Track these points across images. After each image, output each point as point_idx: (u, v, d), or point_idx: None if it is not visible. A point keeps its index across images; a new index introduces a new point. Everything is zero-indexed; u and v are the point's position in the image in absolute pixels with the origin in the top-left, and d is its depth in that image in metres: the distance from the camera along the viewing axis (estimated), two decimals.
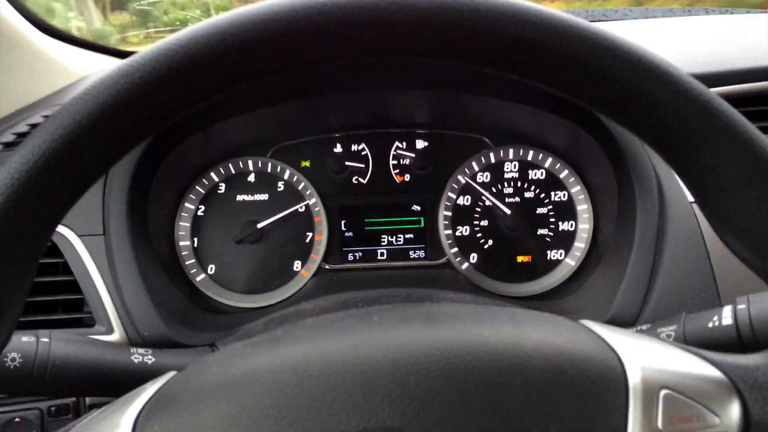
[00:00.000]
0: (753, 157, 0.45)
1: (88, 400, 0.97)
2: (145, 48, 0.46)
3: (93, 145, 0.45)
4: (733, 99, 1.06)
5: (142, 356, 0.80)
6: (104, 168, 0.48)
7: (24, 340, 0.71)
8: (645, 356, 0.47)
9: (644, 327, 0.84)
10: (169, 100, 0.46)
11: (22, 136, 1.17)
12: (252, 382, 0.46)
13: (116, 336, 0.96)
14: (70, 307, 0.99)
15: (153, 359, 0.80)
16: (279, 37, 0.45)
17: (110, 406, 0.52)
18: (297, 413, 0.42)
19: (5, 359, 0.69)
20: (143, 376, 0.76)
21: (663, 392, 0.44)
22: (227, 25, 0.45)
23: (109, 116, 0.44)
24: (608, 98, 0.48)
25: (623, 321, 0.97)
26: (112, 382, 0.76)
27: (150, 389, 0.52)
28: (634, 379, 0.45)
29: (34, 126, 1.19)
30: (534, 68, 0.47)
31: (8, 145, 1.14)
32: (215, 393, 0.46)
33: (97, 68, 1.57)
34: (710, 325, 0.74)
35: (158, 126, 0.48)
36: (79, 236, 1.00)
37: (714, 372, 0.47)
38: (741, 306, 0.72)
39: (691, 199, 1.00)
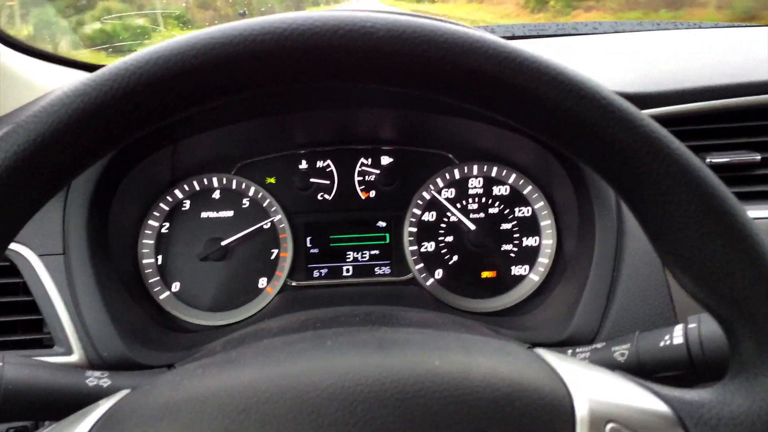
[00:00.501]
0: (700, 197, 0.45)
1: (46, 422, 0.96)
2: (105, 66, 0.47)
3: (48, 162, 0.45)
4: (690, 118, 1.08)
5: (97, 379, 0.79)
6: (60, 185, 0.48)
7: None
8: (594, 388, 0.48)
9: (599, 345, 0.85)
10: (126, 120, 0.46)
11: None
12: (200, 404, 0.46)
13: (75, 357, 0.95)
14: (29, 327, 0.98)
15: (109, 382, 0.80)
16: (233, 61, 0.45)
17: (59, 424, 0.52)
18: None
19: None
20: (98, 399, 0.76)
21: (609, 426, 0.45)
22: (184, 47, 0.45)
23: (65, 134, 0.45)
24: (559, 131, 0.48)
25: (582, 338, 0.98)
26: (66, 406, 0.75)
27: (101, 407, 0.52)
28: (581, 412, 0.46)
29: None
30: (483, 99, 0.48)
31: None
32: (163, 415, 0.46)
33: (63, 82, 1.56)
34: (662, 344, 0.75)
35: (115, 144, 0.48)
36: (39, 256, 0.99)
37: (661, 406, 0.48)
38: (692, 325, 0.74)
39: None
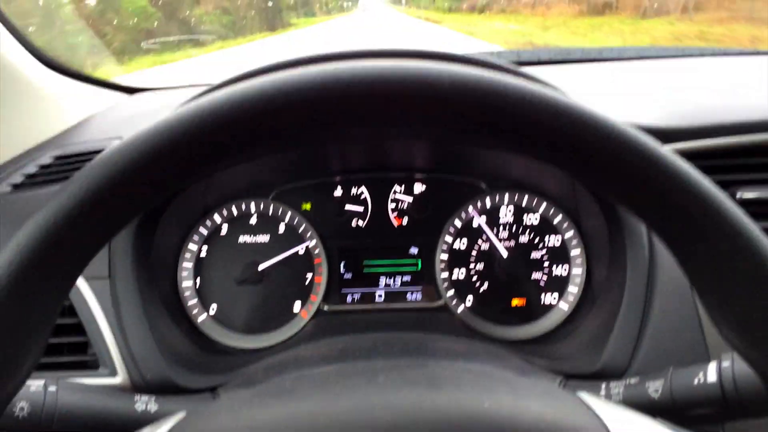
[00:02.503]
0: (752, 259, 0.46)
1: None
2: (181, 109, 0.49)
3: (128, 196, 0.48)
4: (718, 152, 1.10)
5: (145, 404, 0.82)
6: (130, 218, 0.51)
7: (32, 390, 0.73)
8: None
9: (633, 381, 0.86)
10: (199, 159, 0.49)
11: (32, 177, 1.19)
12: None
13: (120, 379, 0.97)
14: (75, 349, 1.01)
15: (156, 407, 0.83)
16: (302, 106, 0.47)
17: None
18: None
19: (14, 408, 0.71)
20: (146, 423, 0.79)
21: None
22: (251, 95, 0.47)
23: (140, 173, 0.48)
24: (614, 188, 0.49)
25: (614, 370, 0.99)
26: (116, 430, 0.78)
27: (160, 431, 0.54)
28: None
29: (44, 167, 1.22)
30: (539, 151, 0.49)
31: (17, 187, 1.16)
32: None
33: (104, 104, 1.60)
34: (696, 381, 0.76)
35: (187, 180, 0.51)
36: (86, 279, 1.02)
37: None
38: (725, 364, 0.74)
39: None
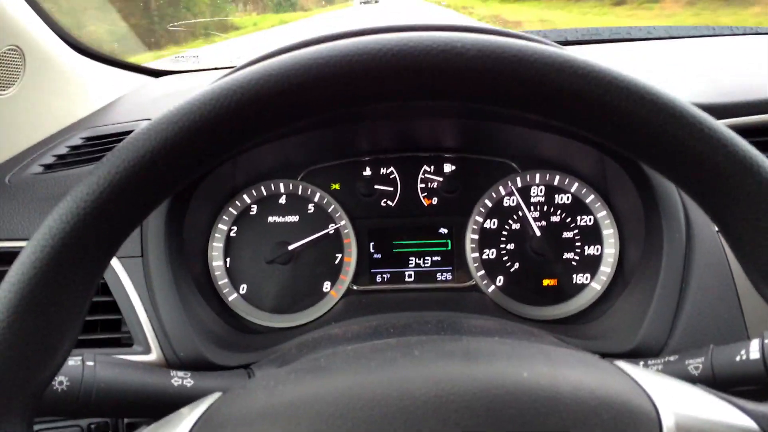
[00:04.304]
0: None
1: (126, 419, 1.00)
2: (213, 84, 0.49)
3: (159, 175, 0.48)
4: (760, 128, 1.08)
5: (181, 379, 0.82)
6: (163, 198, 0.51)
7: (70, 363, 0.73)
8: (678, 402, 0.48)
9: (672, 358, 0.85)
10: (228, 137, 0.49)
11: (62, 157, 1.20)
12: (297, 410, 0.47)
13: (153, 356, 0.98)
14: (109, 327, 1.01)
15: (192, 382, 0.83)
16: (336, 80, 0.48)
17: (155, 426, 0.54)
18: None
19: (53, 382, 0.71)
20: (182, 398, 0.79)
21: None
22: (285, 68, 0.48)
23: (171, 151, 0.48)
24: (647, 148, 0.49)
25: (650, 349, 0.97)
26: (153, 405, 0.78)
27: (196, 410, 0.54)
28: (668, 425, 0.46)
29: (74, 148, 1.22)
30: (578, 118, 0.49)
31: (48, 167, 1.17)
32: (262, 419, 0.48)
33: (131, 87, 1.61)
34: (738, 358, 0.75)
35: (218, 159, 0.51)
36: (118, 258, 1.02)
37: (747, 421, 0.48)
38: None
39: (717, 229, 1.01)
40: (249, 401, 0.52)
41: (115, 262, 1.02)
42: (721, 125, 0.48)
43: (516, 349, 0.58)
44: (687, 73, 1.35)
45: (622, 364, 0.56)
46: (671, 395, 0.49)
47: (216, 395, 0.57)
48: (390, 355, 0.56)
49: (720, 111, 1.08)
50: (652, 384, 0.51)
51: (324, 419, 0.46)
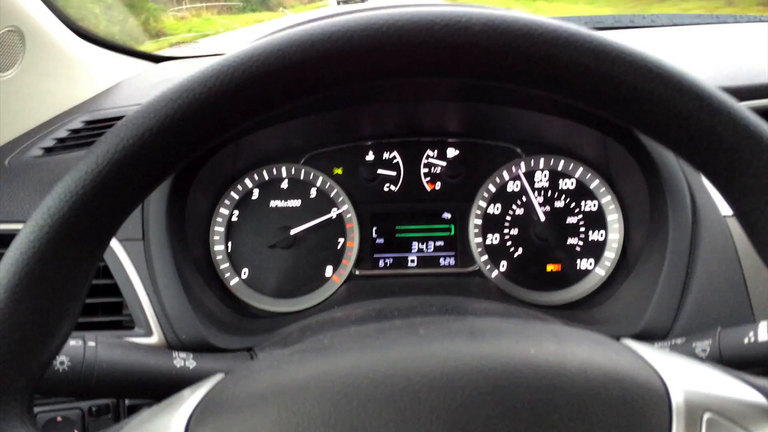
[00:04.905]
0: None
1: (127, 400, 0.99)
2: (214, 60, 0.48)
3: (154, 156, 0.47)
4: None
5: (183, 360, 0.82)
6: (163, 177, 0.50)
7: (72, 344, 0.73)
8: (688, 378, 0.48)
9: (678, 341, 0.84)
10: (229, 114, 0.48)
11: (62, 141, 1.19)
12: (302, 389, 0.47)
13: (155, 339, 0.98)
14: (110, 309, 1.01)
15: (194, 364, 0.82)
16: (339, 55, 0.47)
17: (158, 408, 0.53)
18: (345, 423, 0.43)
19: (54, 362, 0.71)
20: (184, 380, 0.78)
21: (707, 415, 0.45)
22: (287, 43, 0.47)
23: (170, 129, 0.47)
24: (657, 124, 0.48)
25: (655, 333, 0.97)
26: (154, 386, 0.78)
27: (199, 392, 0.53)
28: (677, 402, 0.45)
29: (74, 131, 1.22)
30: (584, 93, 0.48)
31: (48, 150, 1.16)
32: (266, 399, 0.47)
33: (131, 72, 1.60)
34: (746, 341, 0.74)
35: (217, 137, 0.50)
36: (120, 241, 1.02)
37: (757, 396, 0.48)
38: None
39: (724, 212, 1.00)
40: (253, 382, 0.51)
41: (116, 245, 1.01)
42: (732, 99, 0.47)
43: (523, 327, 0.57)
44: (690, 59, 1.34)
45: (630, 342, 0.56)
46: (680, 372, 0.49)
47: (219, 376, 0.57)
48: (395, 334, 0.56)
49: (745, 93, 1.07)
50: (661, 361, 0.50)
51: (330, 398, 0.45)
